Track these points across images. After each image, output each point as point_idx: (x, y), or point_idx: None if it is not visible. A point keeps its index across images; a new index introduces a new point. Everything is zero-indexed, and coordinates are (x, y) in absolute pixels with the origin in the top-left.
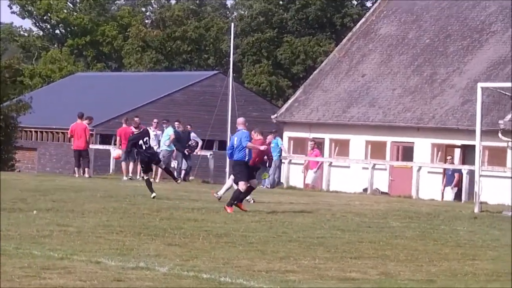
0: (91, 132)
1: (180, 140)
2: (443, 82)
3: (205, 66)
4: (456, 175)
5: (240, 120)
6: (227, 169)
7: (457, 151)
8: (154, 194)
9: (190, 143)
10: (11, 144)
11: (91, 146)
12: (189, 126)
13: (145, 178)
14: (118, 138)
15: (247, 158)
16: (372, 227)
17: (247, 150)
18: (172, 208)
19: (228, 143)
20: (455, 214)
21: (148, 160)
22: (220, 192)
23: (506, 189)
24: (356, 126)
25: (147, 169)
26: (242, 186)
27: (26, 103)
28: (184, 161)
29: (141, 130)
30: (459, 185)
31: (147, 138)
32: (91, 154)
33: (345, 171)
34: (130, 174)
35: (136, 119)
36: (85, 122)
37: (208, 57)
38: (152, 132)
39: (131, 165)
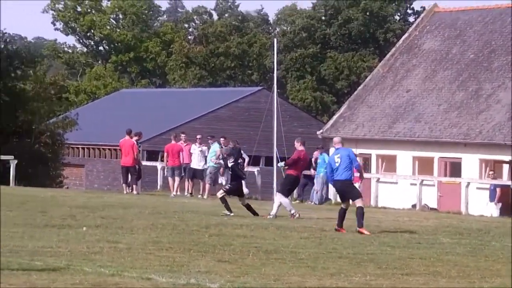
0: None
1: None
2: (489, 98)
3: (249, 82)
4: (498, 190)
5: (337, 139)
6: (274, 186)
7: (506, 167)
8: (232, 214)
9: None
10: (58, 161)
11: None
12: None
13: (222, 196)
14: (165, 154)
15: (352, 177)
16: (422, 243)
17: (353, 168)
18: (221, 224)
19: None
20: (505, 230)
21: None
22: (273, 212)
23: None
24: (402, 142)
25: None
26: (361, 202)
27: (72, 119)
28: None
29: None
30: (507, 199)
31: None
32: None
33: (393, 187)
34: (175, 193)
35: (230, 143)
36: (135, 138)
37: (251, 73)
38: (197, 148)
39: (177, 181)
